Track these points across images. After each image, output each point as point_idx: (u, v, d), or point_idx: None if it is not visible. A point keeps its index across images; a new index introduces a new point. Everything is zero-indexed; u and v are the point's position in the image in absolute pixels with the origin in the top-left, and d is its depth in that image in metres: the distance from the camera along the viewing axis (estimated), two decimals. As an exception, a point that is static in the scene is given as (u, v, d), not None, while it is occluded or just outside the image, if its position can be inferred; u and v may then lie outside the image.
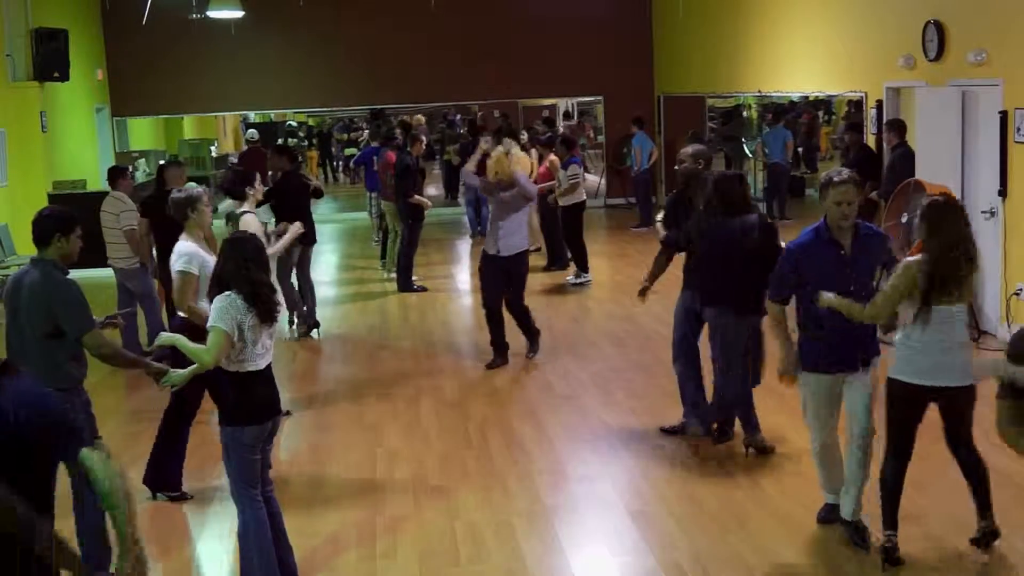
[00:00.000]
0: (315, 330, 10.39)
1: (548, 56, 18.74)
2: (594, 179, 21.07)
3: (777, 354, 5.46)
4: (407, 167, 12.16)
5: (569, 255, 13.03)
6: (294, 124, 26.79)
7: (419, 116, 18.42)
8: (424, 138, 13.65)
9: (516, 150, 8.97)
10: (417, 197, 12.14)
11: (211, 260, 5.87)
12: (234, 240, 4.98)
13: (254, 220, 7.40)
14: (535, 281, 12.75)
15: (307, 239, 10.03)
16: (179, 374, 5.02)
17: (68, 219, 5.08)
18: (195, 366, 4.83)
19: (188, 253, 6.18)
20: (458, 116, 24.55)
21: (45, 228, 5.00)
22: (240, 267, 4.79)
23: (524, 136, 16.13)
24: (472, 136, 18.46)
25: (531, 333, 9.13)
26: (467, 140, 16.94)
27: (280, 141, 23.79)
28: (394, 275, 12.77)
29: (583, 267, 12.64)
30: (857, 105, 12.47)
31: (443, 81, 18.78)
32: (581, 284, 12.48)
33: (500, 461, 6.73)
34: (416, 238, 12.34)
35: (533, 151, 14.53)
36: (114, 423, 7.86)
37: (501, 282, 8.71)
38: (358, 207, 18.78)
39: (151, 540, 5.63)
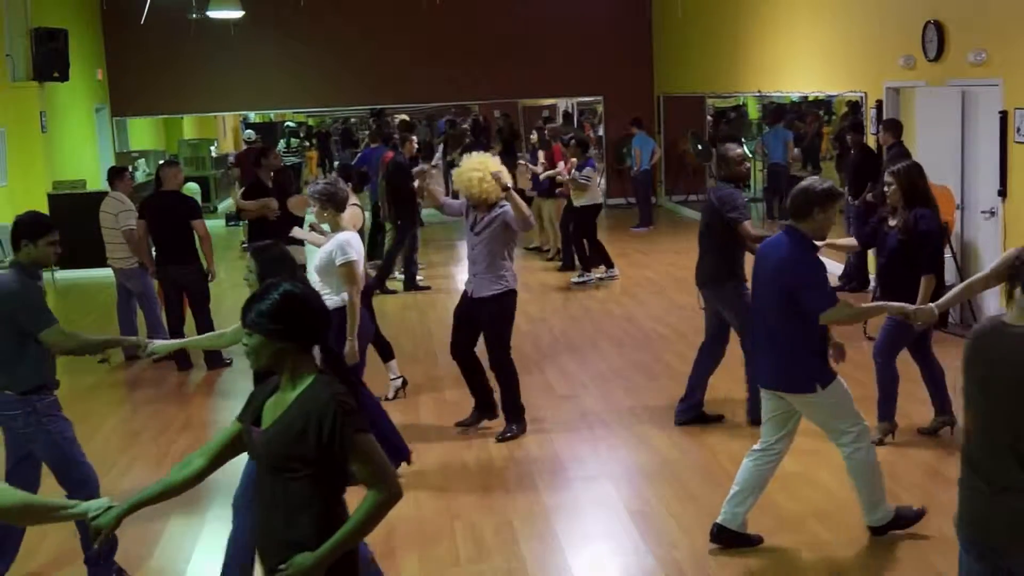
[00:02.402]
0: None
1: (548, 56, 18.75)
2: (594, 179, 21.06)
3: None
4: (399, 166, 12.16)
5: (576, 255, 12.92)
6: (292, 124, 26.78)
7: (403, 116, 18.40)
8: (415, 138, 13.66)
9: (494, 161, 7.00)
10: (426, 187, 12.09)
11: (361, 246, 6.46)
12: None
13: (358, 212, 7.95)
14: (535, 280, 12.75)
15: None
16: (163, 344, 5.26)
17: (37, 226, 5.13)
18: (186, 340, 4.85)
19: (343, 242, 6.28)
20: (471, 117, 24.32)
21: (15, 234, 5.12)
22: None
23: (534, 136, 16.08)
24: (475, 137, 18.41)
25: (513, 405, 7.17)
26: (472, 142, 16.86)
27: (282, 141, 23.88)
28: (401, 275, 12.78)
29: (608, 264, 12.61)
30: (854, 106, 12.48)
31: (443, 81, 18.79)
32: (584, 282, 12.43)
33: (500, 461, 6.72)
34: (403, 239, 12.33)
35: (541, 152, 14.51)
36: (114, 421, 7.87)
37: (469, 327, 7.13)
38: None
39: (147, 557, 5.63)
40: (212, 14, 15.86)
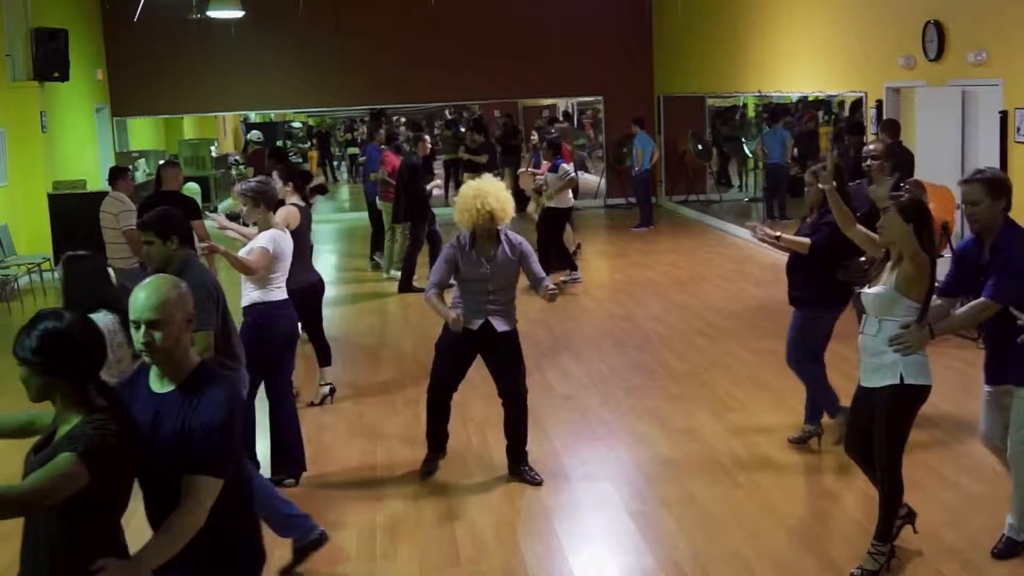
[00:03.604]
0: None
1: (548, 56, 18.75)
2: (593, 179, 21.07)
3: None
4: (411, 167, 12.22)
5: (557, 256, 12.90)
6: (298, 125, 26.79)
7: (397, 117, 18.41)
8: (428, 137, 13.73)
9: (495, 184, 6.18)
10: (433, 185, 12.25)
11: (290, 247, 6.53)
12: (73, 259, 5.05)
13: (295, 212, 7.83)
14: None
15: None
16: None
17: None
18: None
19: (274, 236, 6.44)
20: (474, 114, 23.91)
21: None
22: (90, 284, 4.87)
23: (535, 137, 16.08)
24: (483, 135, 18.19)
25: (525, 439, 6.56)
26: (484, 143, 16.78)
27: (279, 142, 23.86)
28: (396, 275, 12.77)
29: (572, 265, 12.56)
30: (851, 106, 12.49)
31: (443, 81, 18.79)
32: (568, 282, 12.38)
33: (500, 461, 6.71)
34: (420, 238, 12.32)
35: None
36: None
37: (466, 367, 6.49)
38: (358, 207, 18.79)
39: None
40: (212, 14, 15.86)
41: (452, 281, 6.29)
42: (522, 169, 14.69)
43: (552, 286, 6.12)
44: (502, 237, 6.18)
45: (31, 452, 3.05)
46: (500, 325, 6.22)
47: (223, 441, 3.04)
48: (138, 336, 3.10)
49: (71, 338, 2.97)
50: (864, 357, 4.88)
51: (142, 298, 3.14)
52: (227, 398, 3.10)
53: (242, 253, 6.43)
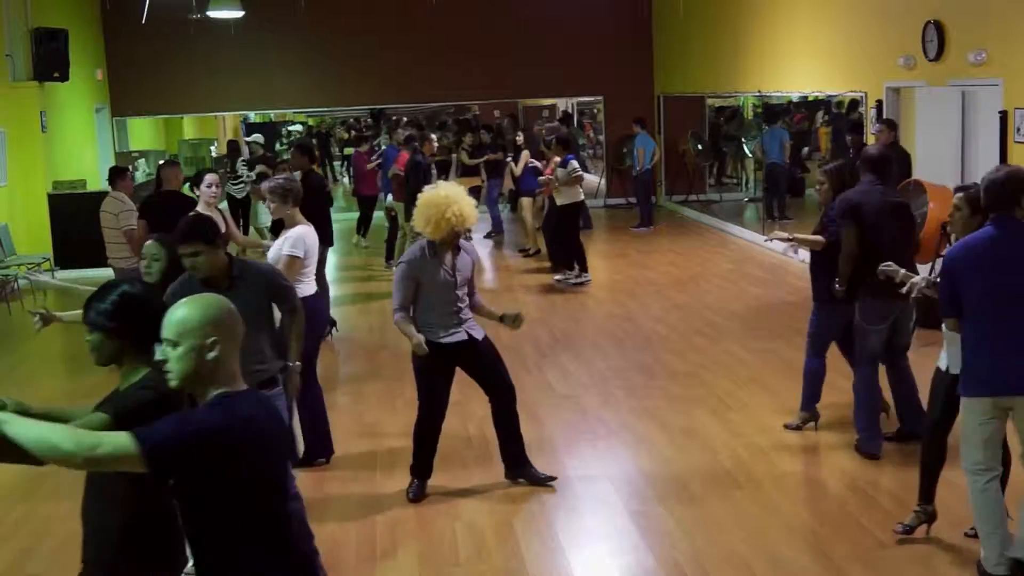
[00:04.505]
0: (332, 328, 10.43)
1: (548, 56, 18.76)
2: (594, 179, 21.06)
3: None
4: (417, 166, 12.31)
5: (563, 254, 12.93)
6: (300, 126, 26.70)
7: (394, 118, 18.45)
8: (434, 136, 13.88)
9: (457, 188, 6.01)
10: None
11: (316, 242, 6.63)
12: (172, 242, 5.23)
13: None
14: (534, 280, 12.75)
15: (324, 240, 10.10)
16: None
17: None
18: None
19: (295, 236, 6.53)
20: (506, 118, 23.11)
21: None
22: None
23: (520, 137, 16.11)
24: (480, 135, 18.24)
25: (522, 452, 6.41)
26: (488, 143, 16.82)
27: (276, 143, 23.80)
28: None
29: (583, 267, 12.54)
30: (848, 106, 12.50)
31: (443, 81, 18.79)
32: (581, 284, 12.37)
33: (500, 461, 6.71)
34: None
35: (525, 153, 14.63)
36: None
37: (449, 384, 6.23)
38: (355, 207, 18.76)
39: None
40: (212, 14, 15.85)
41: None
42: (512, 166, 14.82)
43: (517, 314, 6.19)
44: (467, 251, 6.09)
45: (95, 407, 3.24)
46: (477, 332, 6.08)
47: (165, 426, 2.71)
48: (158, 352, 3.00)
49: (144, 302, 3.23)
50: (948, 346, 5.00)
51: (169, 315, 2.89)
52: (208, 424, 2.76)
53: (271, 256, 6.54)
